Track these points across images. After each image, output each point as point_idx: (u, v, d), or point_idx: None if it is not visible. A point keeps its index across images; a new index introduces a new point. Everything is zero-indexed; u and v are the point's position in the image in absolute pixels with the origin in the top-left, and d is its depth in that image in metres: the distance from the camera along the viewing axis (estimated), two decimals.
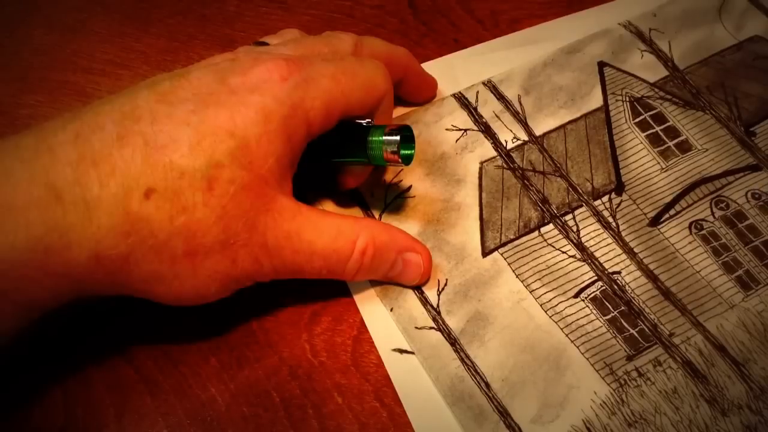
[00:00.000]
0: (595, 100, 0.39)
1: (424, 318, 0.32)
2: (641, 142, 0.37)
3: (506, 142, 0.38)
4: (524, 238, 0.35)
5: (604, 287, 0.33)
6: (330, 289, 0.33)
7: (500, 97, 0.39)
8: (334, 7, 0.43)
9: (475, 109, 0.39)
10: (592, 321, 0.32)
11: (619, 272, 0.33)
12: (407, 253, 0.32)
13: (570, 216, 0.35)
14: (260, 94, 0.28)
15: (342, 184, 0.35)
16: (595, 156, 0.37)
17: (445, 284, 0.33)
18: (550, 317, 0.32)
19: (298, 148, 0.30)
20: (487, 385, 0.31)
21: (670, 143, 0.37)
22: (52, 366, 0.31)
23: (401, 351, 0.32)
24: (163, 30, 0.43)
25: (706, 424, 0.29)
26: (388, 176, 0.37)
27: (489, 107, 0.39)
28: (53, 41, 0.42)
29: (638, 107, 0.38)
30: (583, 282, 0.33)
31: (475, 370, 0.31)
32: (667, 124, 0.38)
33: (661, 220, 0.35)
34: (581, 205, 0.35)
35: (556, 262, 0.34)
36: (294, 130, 0.29)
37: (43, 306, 0.27)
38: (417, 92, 0.39)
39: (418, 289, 0.33)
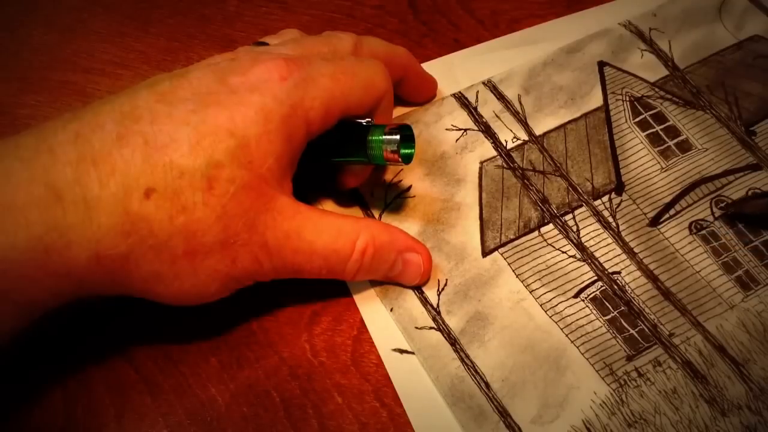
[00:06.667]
0: (595, 100, 0.39)
1: (424, 318, 0.32)
2: (641, 142, 0.37)
3: (506, 142, 0.38)
4: (524, 238, 0.35)
5: (604, 287, 0.33)
6: (330, 289, 0.33)
7: (500, 96, 0.39)
8: (334, 7, 0.43)
9: (475, 108, 0.39)
10: (592, 321, 0.32)
11: (619, 272, 0.33)
12: (407, 253, 0.32)
13: (570, 216, 0.35)
14: (260, 94, 0.28)
15: (342, 183, 0.35)
16: (595, 156, 0.37)
17: (445, 284, 0.33)
18: (550, 317, 0.32)
19: (298, 148, 0.30)
20: (487, 385, 0.31)
21: (670, 143, 0.37)
22: (52, 366, 0.31)
23: (401, 351, 0.32)
24: (163, 30, 0.43)
25: (705, 424, 0.29)
26: (388, 176, 0.37)
27: (489, 107, 0.39)
28: (53, 41, 0.42)
29: (638, 107, 0.38)
30: (583, 282, 0.33)
31: (475, 370, 0.31)
32: (667, 123, 0.38)
33: (661, 220, 0.35)
34: (581, 205, 0.35)
35: (556, 262, 0.34)
36: (294, 129, 0.29)
37: (44, 306, 0.27)
38: (417, 92, 0.39)
39: (418, 289, 0.33)
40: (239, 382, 0.31)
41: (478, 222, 0.35)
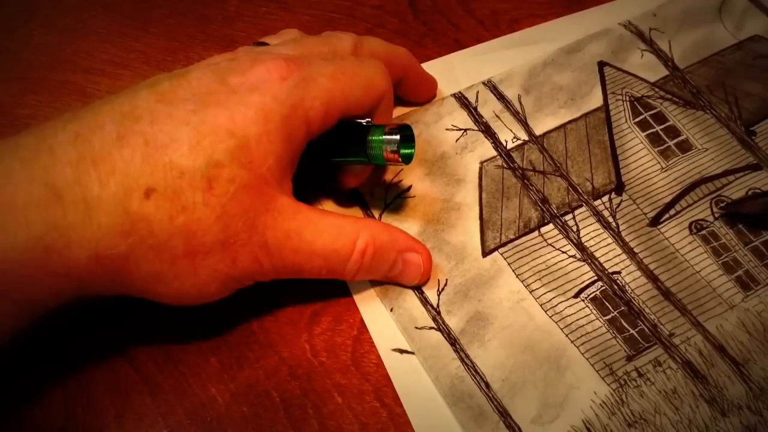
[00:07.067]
0: (595, 100, 0.39)
1: (424, 318, 0.32)
2: (641, 142, 0.37)
3: (506, 142, 0.38)
4: (524, 238, 0.35)
5: (604, 287, 0.33)
6: (330, 289, 0.33)
7: (500, 96, 0.39)
8: (334, 7, 0.43)
9: (475, 108, 0.39)
10: (592, 321, 0.32)
11: (619, 272, 0.33)
12: (407, 253, 0.32)
13: (570, 216, 0.35)
14: (260, 94, 0.28)
15: (342, 183, 0.35)
16: (595, 156, 0.37)
17: (445, 284, 0.33)
18: (550, 317, 0.32)
19: (298, 148, 0.30)
20: (487, 385, 0.31)
21: (671, 143, 0.37)
22: (52, 366, 0.31)
23: (401, 351, 0.32)
24: (163, 30, 0.43)
25: (705, 424, 0.29)
26: (388, 176, 0.37)
27: (489, 107, 0.39)
28: (53, 41, 0.42)
29: (638, 107, 0.38)
30: (583, 282, 0.33)
31: (475, 370, 0.31)
32: (668, 123, 0.38)
33: (661, 220, 0.35)
34: (581, 205, 0.35)
35: (556, 262, 0.34)
36: (294, 129, 0.29)
37: (44, 306, 0.27)
38: (417, 92, 0.39)
39: (418, 289, 0.33)
40: (239, 382, 0.31)
41: (478, 222, 0.35)
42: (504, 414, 0.30)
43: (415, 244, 0.33)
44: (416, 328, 0.32)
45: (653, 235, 0.34)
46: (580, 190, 0.36)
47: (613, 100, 0.39)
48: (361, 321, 0.33)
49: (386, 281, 0.33)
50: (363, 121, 0.32)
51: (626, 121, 0.38)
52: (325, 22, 0.43)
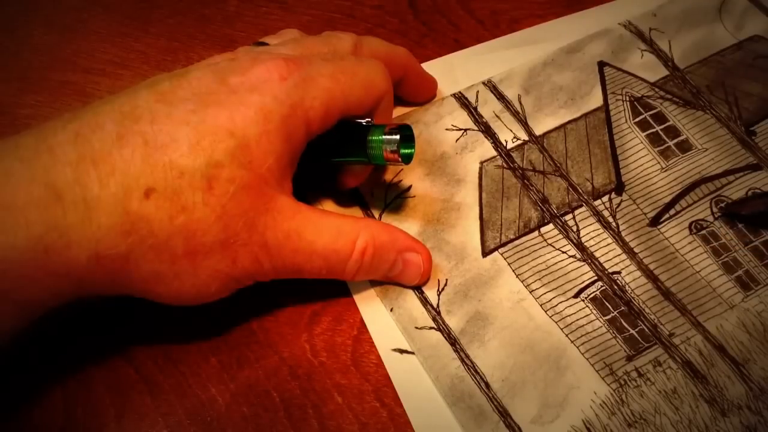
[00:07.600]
0: (595, 100, 0.39)
1: (424, 318, 0.32)
2: (641, 142, 0.37)
3: (506, 142, 0.38)
4: (524, 238, 0.35)
5: (604, 287, 0.33)
6: (330, 289, 0.33)
7: (500, 96, 0.39)
8: (334, 7, 0.43)
9: (475, 108, 0.39)
10: (592, 321, 0.32)
11: (619, 272, 0.33)
12: (407, 253, 0.32)
13: (570, 216, 0.35)
14: (260, 94, 0.28)
15: (342, 183, 0.35)
16: (595, 156, 0.37)
17: (445, 284, 0.33)
18: (550, 317, 0.32)
19: (298, 148, 0.30)
20: (487, 385, 0.31)
21: (670, 143, 0.37)
22: (52, 366, 0.31)
23: (401, 351, 0.32)
24: (163, 30, 0.43)
25: (705, 424, 0.29)
26: (388, 176, 0.37)
27: (489, 107, 0.39)
28: (53, 41, 0.42)
29: (638, 107, 0.38)
30: (583, 282, 0.33)
31: (475, 370, 0.31)
32: (667, 123, 0.38)
33: (661, 220, 0.35)
34: (581, 205, 0.35)
35: (556, 262, 0.34)
36: (293, 129, 0.29)
37: (44, 306, 0.27)
38: (417, 92, 0.39)
39: (418, 289, 0.33)
40: (239, 382, 0.31)
41: (478, 222, 0.35)
42: (504, 414, 0.30)
43: (415, 244, 0.33)
44: (416, 328, 0.32)
45: (653, 235, 0.34)
46: (580, 190, 0.36)
47: (613, 100, 0.39)
48: (361, 321, 0.33)
49: (386, 281, 0.33)
50: (363, 121, 0.32)
51: (626, 121, 0.38)
52: (325, 22, 0.43)
